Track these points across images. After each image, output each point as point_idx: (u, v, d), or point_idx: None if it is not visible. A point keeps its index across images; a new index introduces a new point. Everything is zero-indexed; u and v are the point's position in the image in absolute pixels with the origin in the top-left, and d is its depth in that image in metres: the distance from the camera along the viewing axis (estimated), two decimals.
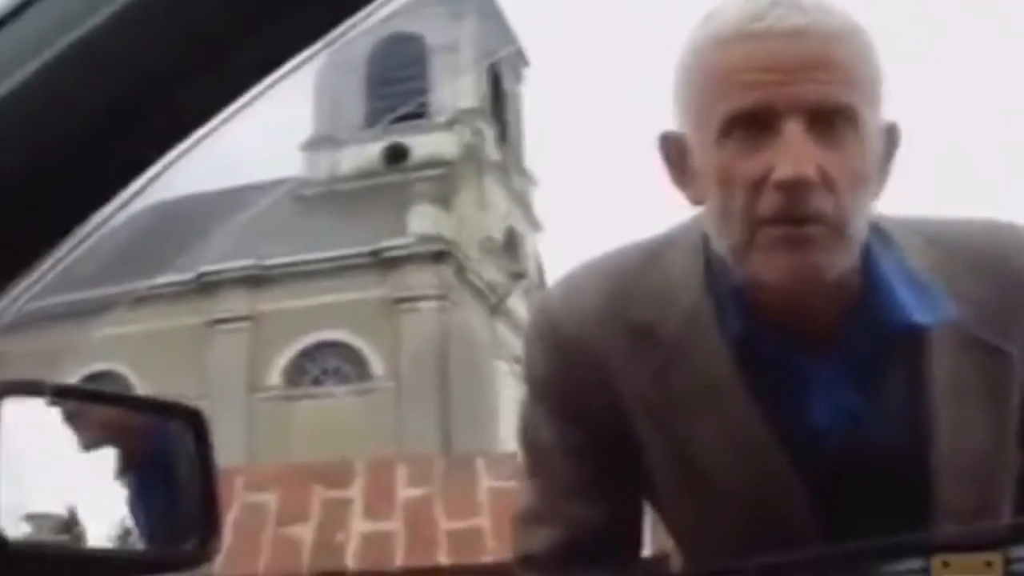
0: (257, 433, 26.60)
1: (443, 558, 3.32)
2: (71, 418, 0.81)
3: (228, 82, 0.68)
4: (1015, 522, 1.23)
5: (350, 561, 3.33)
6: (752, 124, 1.13)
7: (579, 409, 1.29)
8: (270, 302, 29.58)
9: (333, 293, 28.87)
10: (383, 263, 29.63)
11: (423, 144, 32.37)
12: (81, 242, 0.69)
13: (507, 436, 24.41)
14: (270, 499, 3.51)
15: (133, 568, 0.86)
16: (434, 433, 27.22)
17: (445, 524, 3.42)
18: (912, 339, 1.21)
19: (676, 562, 1.43)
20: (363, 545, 3.37)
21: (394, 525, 3.42)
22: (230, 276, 29.20)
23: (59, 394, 0.79)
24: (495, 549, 3.25)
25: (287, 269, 29.38)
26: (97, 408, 0.85)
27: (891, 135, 1.21)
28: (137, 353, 26.47)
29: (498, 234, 33.02)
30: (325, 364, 29.97)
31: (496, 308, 31.80)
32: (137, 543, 0.83)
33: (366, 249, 29.51)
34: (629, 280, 1.28)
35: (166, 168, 0.69)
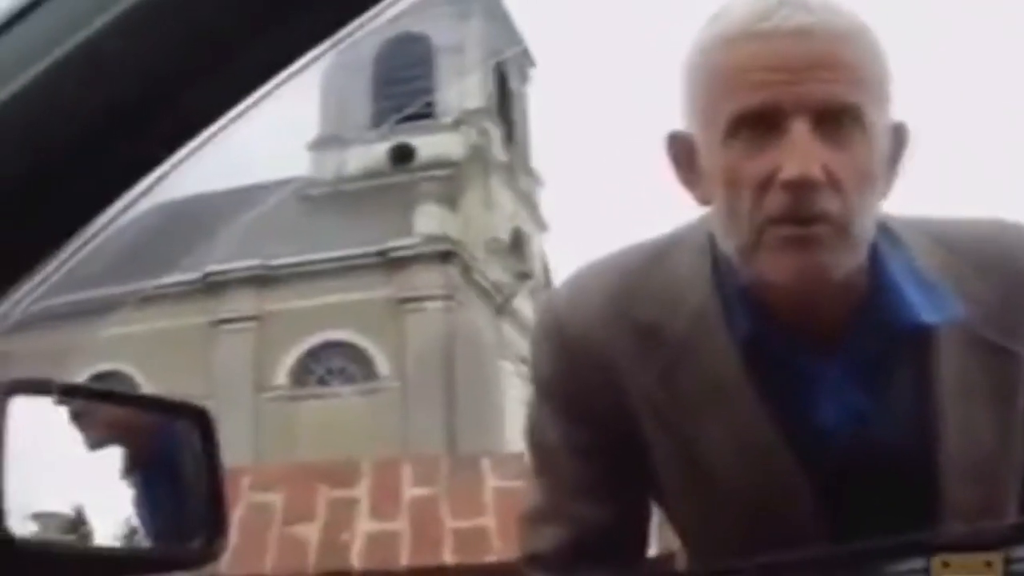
0: (263, 433, 26.62)
1: (449, 557, 3.32)
2: (78, 417, 0.81)
3: (234, 83, 0.68)
4: (1016, 522, 1.23)
5: (356, 560, 3.33)
6: (759, 124, 1.13)
7: (585, 409, 1.29)
8: (276, 302, 29.61)
9: (339, 293, 28.89)
10: (389, 263, 29.65)
11: (429, 144, 32.38)
12: (87, 242, 0.69)
13: (513, 436, 24.40)
14: (276, 499, 3.52)
15: (140, 566, 0.86)
16: (440, 433, 27.22)
17: (451, 524, 3.41)
18: (919, 339, 1.21)
19: (681, 562, 1.43)
20: (369, 544, 3.37)
21: (400, 525, 3.42)
22: (236, 276, 29.23)
23: (66, 393, 0.80)
24: (501, 549, 3.25)
25: (293, 269, 29.40)
26: (104, 407, 0.85)
27: (899, 135, 1.21)
28: (143, 353, 26.50)
29: (504, 234, 33.01)
30: (331, 364, 29.99)
31: (502, 308, 31.80)
32: (143, 542, 0.83)
33: (372, 249, 29.52)
34: (636, 280, 1.28)
35: (173, 168, 0.69)
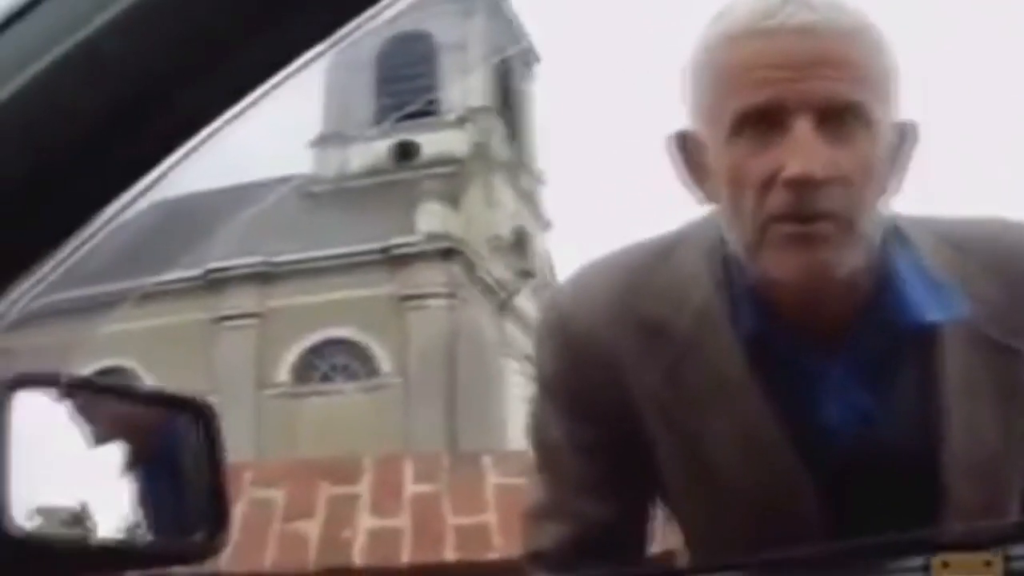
0: (265, 430, 26.62)
1: (450, 554, 3.31)
2: (82, 412, 0.81)
3: (232, 83, 0.68)
4: (1016, 520, 1.23)
5: (357, 557, 3.33)
6: (762, 121, 1.14)
7: (589, 406, 1.29)
8: (278, 299, 29.61)
9: (341, 290, 28.89)
10: (392, 260, 29.64)
11: (432, 142, 32.37)
12: (90, 238, 0.70)
13: (514, 434, 24.40)
14: (277, 495, 3.51)
15: (142, 560, 0.87)
16: (441, 430, 27.23)
17: (452, 520, 3.41)
18: (924, 337, 1.21)
19: (682, 560, 1.43)
20: (370, 541, 3.36)
21: (401, 521, 3.42)
22: (238, 273, 29.24)
23: (71, 387, 0.80)
24: (502, 546, 3.24)
25: (295, 266, 29.41)
26: (108, 401, 0.86)
27: (907, 133, 1.21)
28: (146, 349, 26.51)
29: (507, 232, 33.00)
30: (333, 361, 29.99)
31: (504, 306, 31.79)
32: (146, 536, 0.83)
33: (375, 246, 29.52)
34: (641, 277, 1.28)
35: (175, 165, 0.69)
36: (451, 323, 29.43)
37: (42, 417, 0.77)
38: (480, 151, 32.51)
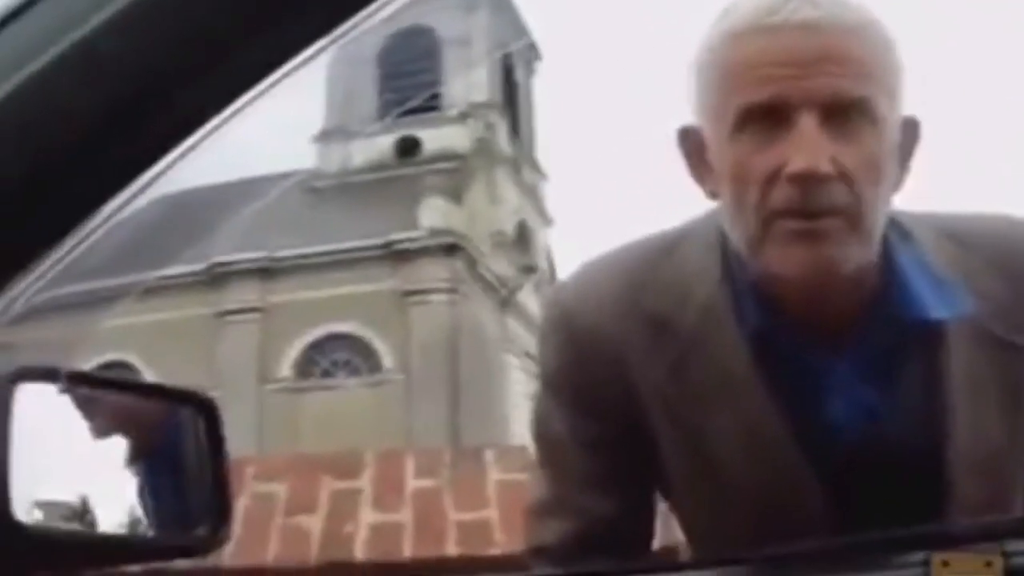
0: (267, 425, 26.65)
1: (452, 550, 3.32)
2: (84, 406, 0.81)
3: (230, 82, 0.68)
4: (1017, 517, 1.23)
5: (359, 552, 3.33)
6: (766, 118, 1.13)
7: (593, 401, 1.29)
8: (281, 294, 29.63)
9: (344, 285, 28.90)
10: (394, 256, 29.65)
11: (435, 137, 32.36)
12: (92, 233, 0.70)
13: (516, 430, 24.42)
14: (279, 489, 3.52)
15: (144, 554, 0.87)
16: (443, 426, 27.25)
17: (454, 516, 3.42)
18: (928, 334, 1.21)
19: (685, 556, 1.43)
20: (372, 536, 3.37)
21: (403, 516, 3.43)
22: (241, 267, 29.26)
23: (73, 380, 0.80)
24: (503, 541, 3.25)
25: (298, 261, 29.42)
26: (110, 395, 0.86)
27: (910, 129, 1.21)
28: (148, 344, 26.54)
29: (509, 228, 33.00)
30: (335, 356, 30.01)
31: (506, 302, 31.80)
32: (148, 530, 0.83)
33: (377, 242, 29.53)
34: (645, 273, 1.28)
35: (177, 161, 0.69)
36: (453, 319, 29.44)
37: (44, 411, 0.77)
38: (483, 147, 32.50)
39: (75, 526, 0.79)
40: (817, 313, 1.21)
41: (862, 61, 1.14)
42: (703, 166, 1.23)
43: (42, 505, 0.75)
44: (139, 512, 0.82)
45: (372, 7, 0.67)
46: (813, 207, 1.12)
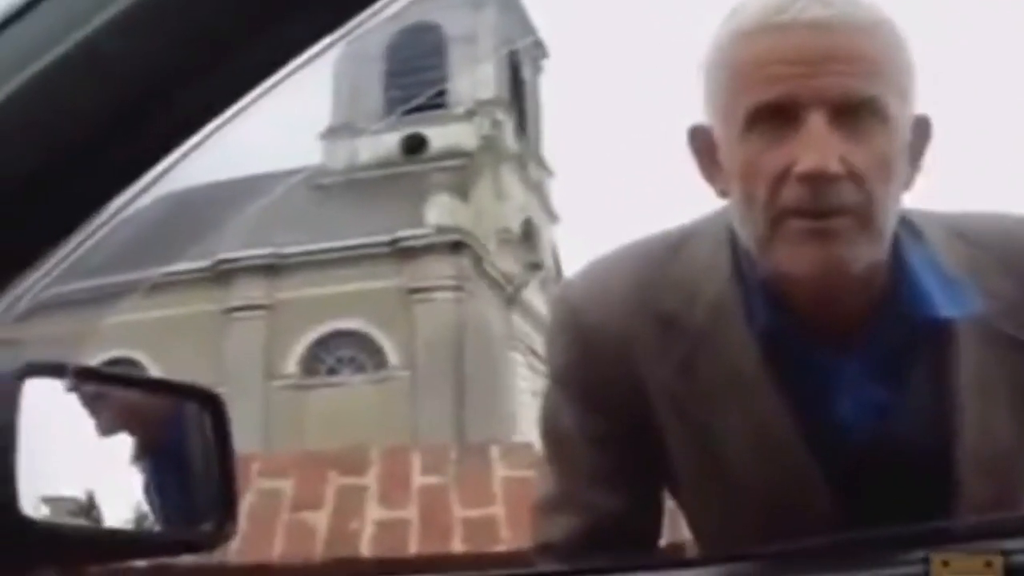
0: (273, 421, 26.68)
1: (458, 546, 3.32)
2: (90, 401, 0.82)
3: (233, 81, 0.68)
4: (1017, 515, 1.23)
5: (364, 548, 3.34)
6: (776, 117, 1.13)
7: (601, 398, 1.29)
8: (287, 291, 29.65)
9: (350, 282, 28.91)
10: (400, 253, 29.65)
11: (441, 134, 32.36)
12: (99, 229, 0.70)
13: (521, 426, 24.43)
14: (285, 485, 3.52)
15: (150, 549, 0.87)
16: (449, 423, 27.25)
17: (460, 512, 3.42)
18: (937, 333, 1.21)
19: (691, 553, 1.43)
20: (378, 532, 3.37)
21: (409, 513, 3.43)
22: (248, 264, 29.28)
23: (80, 376, 0.80)
24: (509, 538, 3.25)
25: (304, 258, 29.43)
26: (116, 391, 0.86)
27: (922, 128, 1.21)
28: (154, 340, 26.57)
29: (515, 225, 32.99)
30: (341, 353, 30.03)
31: (512, 299, 31.79)
32: (154, 525, 0.83)
33: (383, 239, 29.53)
34: (654, 270, 1.28)
35: (183, 159, 0.69)
36: (459, 316, 29.44)
37: (51, 407, 0.77)
38: (489, 144, 32.48)
39: (81, 521, 0.79)
40: (826, 312, 1.21)
41: (872, 60, 1.13)
42: (713, 165, 1.22)
43: (49, 500, 0.76)
44: (145, 507, 0.82)
45: (377, 5, 0.67)
46: (822, 206, 1.12)
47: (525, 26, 32.46)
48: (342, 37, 0.68)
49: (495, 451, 3.74)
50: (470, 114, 32.58)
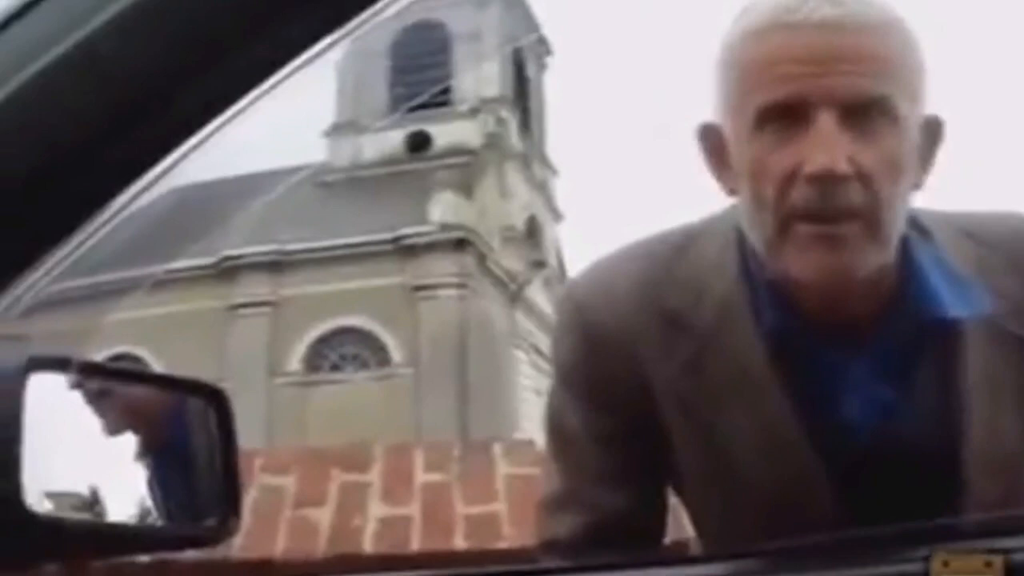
0: (276, 418, 26.68)
1: (460, 543, 3.32)
2: (95, 396, 0.82)
3: (232, 82, 0.68)
4: (1017, 515, 1.22)
5: (367, 545, 3.33)
6: (785, 116, 1.13)
7: (607, 396, 1.29)
8: (291, 287, 29.67)
9: (354, 280, 28.92)
10: (404, 250, 29.66)
11: (445, 132, 32.36)
12: (103, 226, 0.70)
13: (524, 424, 24.42)
14: (288, 482, 3.52)
15: (154, 544, 0.87)
16: (452, 420, 27.25)
17: (462, 509, 3.42)
18: (945, 333, 1.20)
19: (695, 551, 1.43)
20: (380, 529, 3.37)
21: (411, 510, 3.43)
22: (251, 261, 29.30)
23: (84, 371, 0.80)
24: (512, 535, 3.25)
25: (308, 255, 29.45)
26: (120, 386, 0.86)
27: (932, 128, 1.20)
28: (158, 336, 26.57)
29: (519, 223, 32.98)
30: (344, 350, 30.05)
31: (516, 297, 31.78)
32: (158, 521, 0.83)
33: (387, 236, 29.54)
34: (661, 269, 1.27)
35: (184, 158, 0.69)
36: (462, 313, 29.44)
37: (55, 401, 0.78)
38: (493, 142, 32.47)
39: (85, 516, 0.79)
40: (834, 312, 1.20)
41: (882, 59, 1.13)
42: (722, 164, 1.22)
43: (53, 495, 0.76)
44: (149, 502, 0.82)
45: (378, 5, 0.67)
46: (831, 208, 1.12)
47: (529, 23, 32.42)
48: (343, 37, 0.68)
49: (498, 448, 3.74)
50: (474, 112, 32.57)
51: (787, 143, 1.13)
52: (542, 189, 35.19)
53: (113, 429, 0.83)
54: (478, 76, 33.28)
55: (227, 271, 29.33)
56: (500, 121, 32.86)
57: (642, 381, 1.26)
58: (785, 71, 1.13)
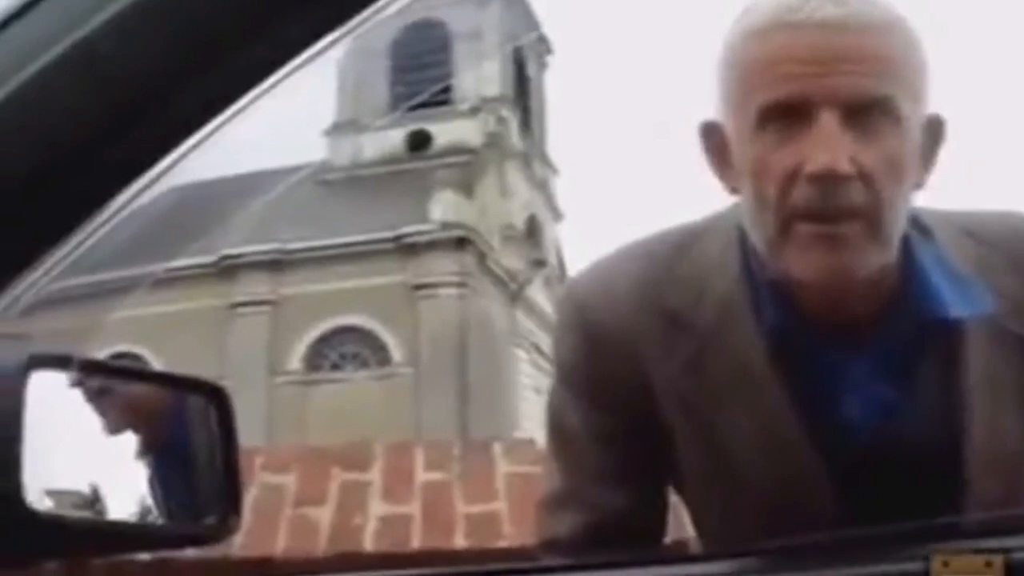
0: (276, 417, 26.69)
1: (460, 542, 3.32)
2: (95, 393, 0.82)
3: (231, 81, 0.68)
4: (1017, 515, 1.23)
5: (367, 543, 3.33)
6: (787, 116, 1.13)
7: (607, 395, 1.29)
8: (291, 286, 29.67)
9: (354, 278, 28.92)
10: (404, 249, 29.66)
11: (446, 131, 32.35)
12: (103, 224, 0.70)
13: (524, 422, 24.42)
14: (289, 480, 3.52)
15: (154, 543, 0.87)
16: (452, 419, 27.26)
17: (463, 508, 3.42)
18: (946, 332, 1.20)
19: (695, 550, 1.43)
20: (381, 528, 3.37)
21: (412, 508, 3.43)
22: (252, 260, 29.30)
23: (85, 369, 0.80)
24: (512, 534, 3.25)
25: (309, 254, 29.45)
26: (122, 384, 0.86)
27: (935, 128, 1.20)
28: (158, 335, 26.57)
29: (519, 222, 32.97)
30: (344, 349, 30.05)
31: (516, 296, 31.78)
32: (158, 519, 0.83)
33: (387, 235, 29.55)
34: (662, 267, 1.28)
35: (184, 156, 0.69)
36: (462, 312, 29.45)
37: (56, 399, 0.78)
38: (494, 141, 32.47)
39: (86, 514, 0.79)
40: (835, 311, 1.20)
41: (885, 59, 1.13)
42: (725, 162, 1.22)
43: (53, 492, 0.76)
44: (149, 500, 0.82)
45: (377, 4, 0.67)
46: (832, 208, 1.12)
47: (530, 22, 32.41)
48: (343, 35, 0.68)
49: (498, 447, 3.74)
50: (475, 111, 32.57)
51: (789, 143, 1.13)
52: (542, 188, 35.19)
53: (114, 427, 0.83)
54: (478, 75, 33.27)
55: (227, 270, 29.33)
56: (500, 120, 32.86)
57: (643, 380, 1.26)
58: (787, 71, 1.13)
